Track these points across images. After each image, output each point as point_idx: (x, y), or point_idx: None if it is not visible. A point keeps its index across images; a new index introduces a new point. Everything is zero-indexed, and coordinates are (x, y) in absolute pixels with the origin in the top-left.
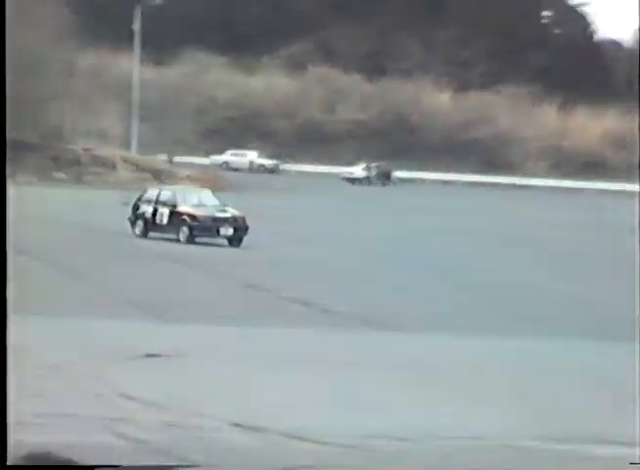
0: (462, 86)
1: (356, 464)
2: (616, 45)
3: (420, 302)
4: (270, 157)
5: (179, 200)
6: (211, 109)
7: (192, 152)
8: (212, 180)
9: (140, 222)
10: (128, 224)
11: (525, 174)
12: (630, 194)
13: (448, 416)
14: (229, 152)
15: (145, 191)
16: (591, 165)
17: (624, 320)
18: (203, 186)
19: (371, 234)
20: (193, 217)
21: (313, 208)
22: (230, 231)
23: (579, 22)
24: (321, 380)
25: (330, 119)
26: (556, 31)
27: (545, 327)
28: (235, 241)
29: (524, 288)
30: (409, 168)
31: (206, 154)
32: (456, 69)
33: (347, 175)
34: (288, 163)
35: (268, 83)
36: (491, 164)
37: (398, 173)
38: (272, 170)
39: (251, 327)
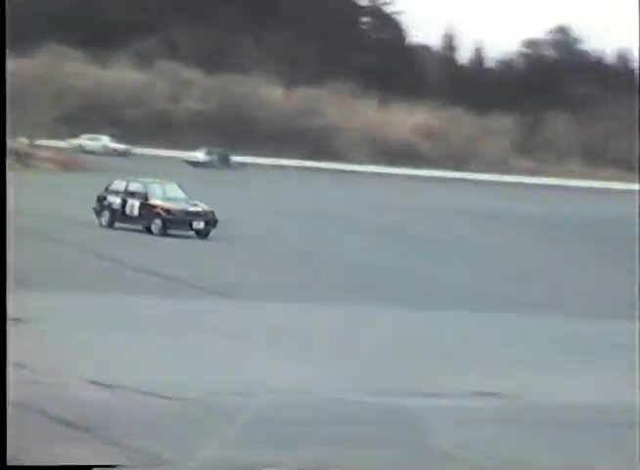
0: (293, 82)
1: (198, 416)
2: (425, 49)
3: (257, 274)
4: (122, 141)
5: (150, 192)
6: (69, 97)
7: (51, 136)
8: (70, 162)
9: (106, 213)
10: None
11: (348, 161)
12: (438, 179)
13: (282, 373)
14: (84, 136)
15: (111, 183)
16: (404, 154)
17: (434, 291)
18: (61, 167)
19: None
20: (167, 211)
21: None
22: (202, 225)
23: (394, 28)
24: (167, 341)
25: (175, 109)
26: (374, 36)
27: (363, 295)
28: (203, 234)
29: (342, 260)
30: (246, 154)
31: (64, 138)
32: (287, 66)
33: (191, 159)
34: (137, 147)
35: (120, 76)
36: (319, 151)
37: (237, 158)
38: (123, 154)
39: (105, 294)
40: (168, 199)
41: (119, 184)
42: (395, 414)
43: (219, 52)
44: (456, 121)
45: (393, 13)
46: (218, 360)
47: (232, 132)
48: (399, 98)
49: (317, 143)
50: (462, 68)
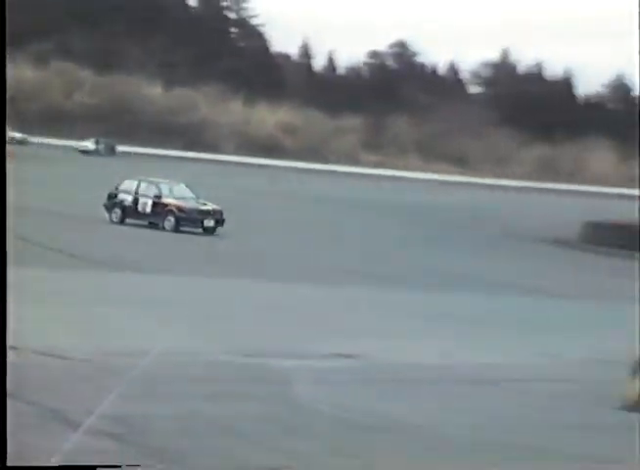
0: (171, 83)
1: (93, 375)
2: (285, 57)
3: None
4: (20, 131)
5: (163, 191)
6: None
7: None
8: None
9: (117, 210)
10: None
11: (219, 152)
12: (297, 169)
13: (166, 338)
14: None
15: (121, 182)
16: (268, 147)
17: (292, 265)
18: None
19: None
20: (180, 209)
21: (57, 171)
22: (211, 223)
23: (258, 38)
24: (66, 308)
25: (68, 103)
26: (241, 44)
27: (235, 269)
28: (210, 231)
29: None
30: (130, 144)
31: None
32: (166, 69)
33: (81, 148)
34: (35, 136)
35: (18, 74)
36: (194, 143)
37: (121, 148)
38: (21, 142)
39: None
40: (179, 198)
41: (131, 184)
42: (266, 374)
43: (108, 55)
44: (312, 120)
45: (258, 25)
46: (110, 325)
47: (118, 125)
48: (263, 99)
49: (192, 136)
50: (317, 74)
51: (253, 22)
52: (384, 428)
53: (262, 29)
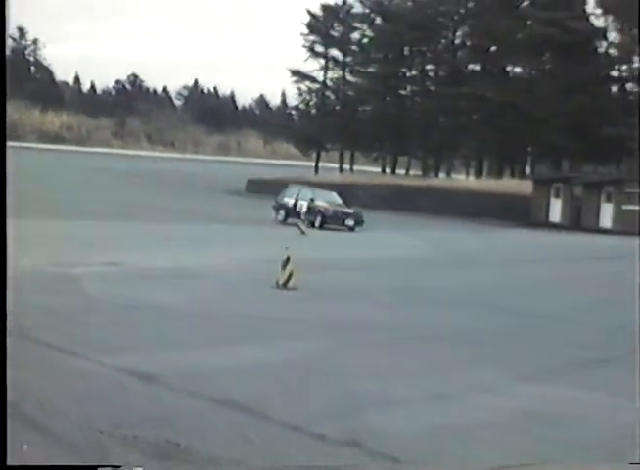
0: None
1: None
2: (65, 83)
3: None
4: None
5: (315, 196)
6: None
7: None
8: None
9: (282, 211)
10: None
11: (26, 141)
12: (73, 151)
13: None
14: None
15: (287, 188)
16: (55, 138)
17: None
18: None
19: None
20: (327, 210)
21: None
22: (352, 222)
23: (47, 71)
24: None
25: None
26: (38, 76)
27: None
28: (351, 228)
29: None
30: None
31: None
32: None
33: None
34: None
35: None
36: (9, 136)
37: None
38: None
39: None
40: (328, 202)
41: (294, 189)
42: (67, 276)
43: None
44: (82, 121)
45: (48, 64)
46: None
47: None
48: (51, 108)
49: (7, 132)
50: (84, 93)
51: (44, 62)
52: (143, 307)
53: (50, 67)
